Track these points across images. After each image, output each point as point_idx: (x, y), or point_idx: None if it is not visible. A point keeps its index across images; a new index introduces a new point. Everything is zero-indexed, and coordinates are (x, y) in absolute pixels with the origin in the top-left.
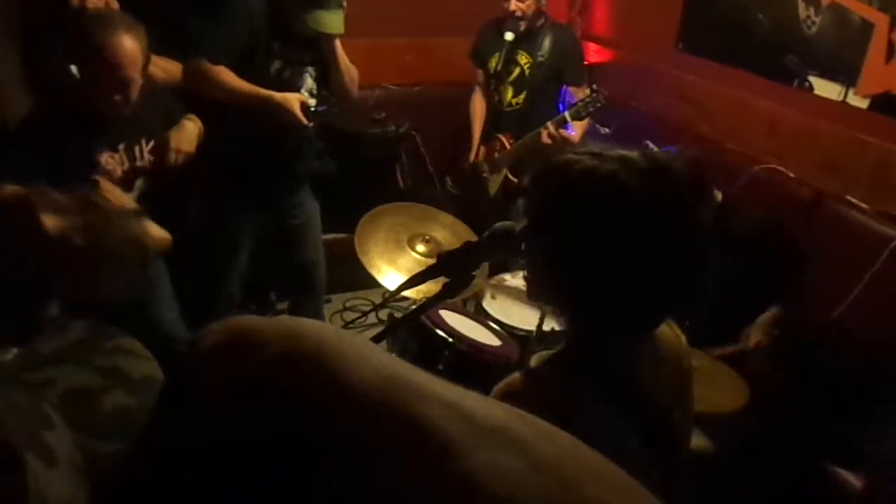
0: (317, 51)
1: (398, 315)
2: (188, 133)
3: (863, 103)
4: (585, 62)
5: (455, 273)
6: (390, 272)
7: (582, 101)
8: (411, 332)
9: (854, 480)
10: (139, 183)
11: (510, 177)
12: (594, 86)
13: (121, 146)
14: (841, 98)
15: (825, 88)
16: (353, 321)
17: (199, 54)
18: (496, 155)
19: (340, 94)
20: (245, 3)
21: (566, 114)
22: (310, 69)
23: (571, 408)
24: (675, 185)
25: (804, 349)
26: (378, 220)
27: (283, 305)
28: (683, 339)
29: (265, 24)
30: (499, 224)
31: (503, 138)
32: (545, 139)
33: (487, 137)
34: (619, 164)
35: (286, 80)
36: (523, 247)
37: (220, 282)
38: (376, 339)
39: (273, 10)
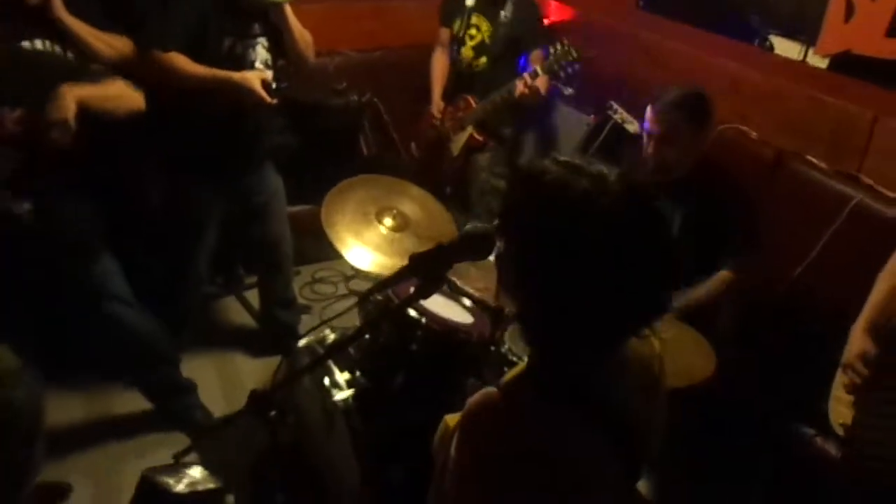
0: (266, 21)
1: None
2: (61, 102)
3: (822, 63)
4: (542, 25)
5: (426, 274)
6: (357, 247)
7: (553, 54)
8: (383, 312)
9: (823, 443)
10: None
11: (475, 135)
12: (563, 39)
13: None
14: (801, 57)
15: (786, 48)
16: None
17: (151, 44)
18: (460, 114)
19: (296, 61)
20: None
21: (538, 67)
22: (261, 40)
23: (544, 426)
24: (646, 210)
25: (766, 308)
26: (346, 194)
27: (252, 279)
28: (655, 343)
29: (210, 2)
30: (470, 226)
31: (469, 98)
32: (522, 89)
33: (451, 97)
34: (592, 184)
35: (238, 55)
36: (494, 251)
37: (188, 263)
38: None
39: None
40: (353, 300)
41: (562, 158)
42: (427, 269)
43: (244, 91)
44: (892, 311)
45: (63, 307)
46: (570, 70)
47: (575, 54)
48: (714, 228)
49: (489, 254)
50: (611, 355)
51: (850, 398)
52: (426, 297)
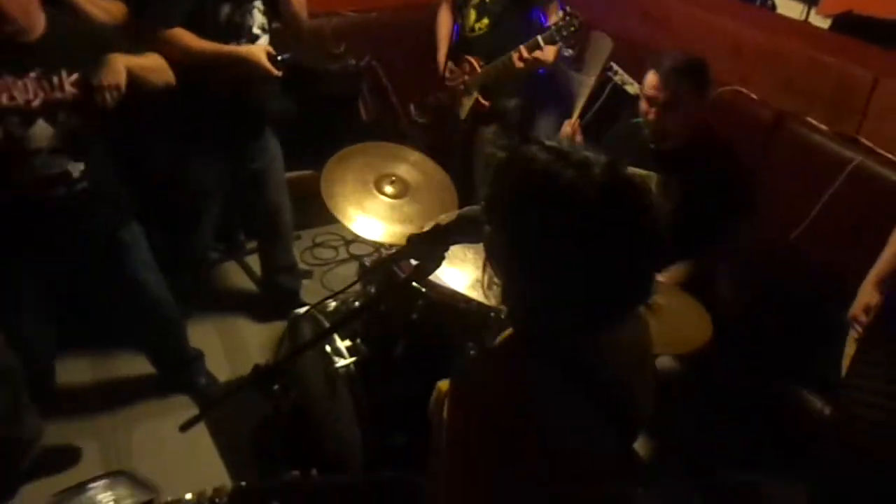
0: None
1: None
2: (111, 65)
3: (824, 23)
4: None
5: (424, 256)
6: (359, 216)
7: (556, 24)
8: (384, 288)
9: (821, 405)
10: (62, 117)
11: (481, 100)
12: (568, 8)
13: (32, 73)
14: (803, 17)
15: (788, 7)
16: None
17: (156, 23)
18: (466, 77)
19: (291, 22)
20: None
21: (539, 38)
22: (257, 4)
23: (534, 388)
24: (631, 200)
25: (765, 269)
26: (344, 162)
27: (253, 245)
28: (644, 318)
29: None
30: (466, 209)
31: (473, 61)
32: (517, 62)
33: (455, 59)
34: (578, 172)
35: (238, 23)
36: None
37: (196, 231)
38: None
39: None
40: (354, 264)
41: (549, 143)
42: (425, 251)
43: (251, 65)
44: None
45: (81, 271)
46: (570, 40)
47: (577, 23)
48: (712, 198)
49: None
50: (598, 336)
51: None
52: (424, 278)
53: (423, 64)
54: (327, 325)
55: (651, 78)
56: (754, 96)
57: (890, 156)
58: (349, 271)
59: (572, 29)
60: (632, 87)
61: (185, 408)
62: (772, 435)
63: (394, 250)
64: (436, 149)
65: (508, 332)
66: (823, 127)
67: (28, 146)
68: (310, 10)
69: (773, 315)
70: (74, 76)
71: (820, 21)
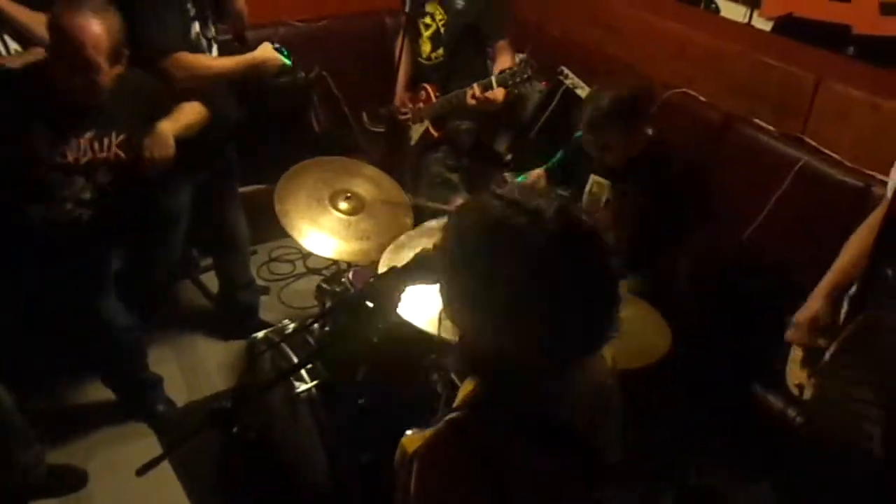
0: None
1: (324, 274)
2: (161, 137)
3: (767, 25)
4: (502, 10)
5: (382, 298)
6: (314, 233)
7: (510, 69)
8: (342, 306)
9: (782, 405)
10: (101, 175)
11: (431, 129)
12: (525, 55)
13: (88, 133)
14: (746, 20)
15: (731, 10)
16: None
17: (168, 51)
18: (420, 105)
19: (237, 23)
20: None
21: (493, 79)
22: (209, 14)
23: (501, 459)
24: (583, 242)
25: (717, 270)
26: (298, 179)
27: (207, 262)
28: (608, 357)
29: None
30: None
31: (429, 88)
32: (470, 100)
33: (411, 84)
34: (529, 220)
35: (205, 37)
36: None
37: (166, 253)
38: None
39: None
40: (311, 278)
41: (501, 192)
42: (382, 294)
43: (267, 65)
44: (856, 277)
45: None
46: (523, 87)
47: (530, 72)
48: (666, 206)
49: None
50: (559, 380)
51: (801, 356)
52: (383, 319)
53: (374, 72)
54: (286, 348)
55: (583, 123)
56: (702, 98)
57: (835, 155)
58: (307, 286)
59: (525, 76)
60: (582, 91)
61: (143, 436)
62: (738, 435)
63: (353, 292)
64: (390, 156)
65: (469, 389)
66: (770, 128)
67: (57, 195)
68: (256, 20)
69: (729, 315)
70: (122, 137)
71: (762, 23)
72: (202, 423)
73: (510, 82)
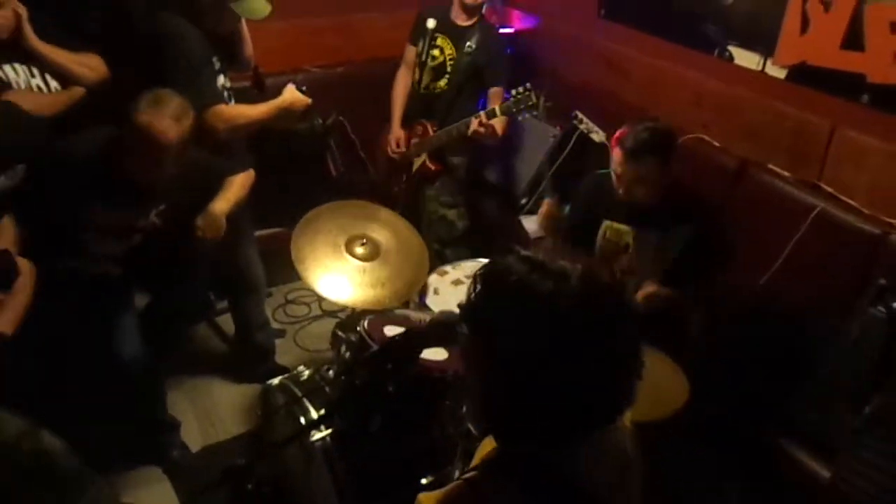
0: (226, 44)
1: (340, 317)
2: (214, 219)
3: (780, 73)
4: (506, 61)
5: (398, 359)
6: (330, 279)
7: (515, 97)
8: (358, 355)
9: (819, 468)
10: (135, 238)
11: (428, 163)
12: (528, 84)
13: (136, 209)
14: (760, 68)
15: (745, 58)
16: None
17: (206, 105)
18: (416, 140)
19: (245, 67)
20: (191, 42)
21: (497, 108)
22: (225, 65)
23: None
24: (608, 308)
25: (734, 317)
26: (313, 224)
27: (222, 305)
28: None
29: (210, 49)
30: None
31: (427, 124)
32: (475, 127)
33: (409, 120)
34: (555, 286)
35: (226, 88)
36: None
37: (193, 294)
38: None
39: (201, 28)
40: (327, 321)
41: (525, 254)
42: (399, 354)
43: (294, 108)
44: None
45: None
46: (526, 115)
47: (535, 100)
48: (688, 252)
49: (457, 341)
50: (580, 447)
51: None
52: (403, 378)
53: (389, 116)
54: (300, 394)
55: (617, 155)
56: (717, 144)
57: (851, 202)
58: (322, 328)
59: (530, 104)
60: (597, 136)
61: (157, 481)
62: (759, 487)
63: (372, 350)
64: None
65: (486, 451)
66: (786, 174)
67: (89, 250)
68: (275, 67)
69: (746, 362)
70: (163, 207)
71: (776, 71)
72: (217, 481)
73: (514, 110)
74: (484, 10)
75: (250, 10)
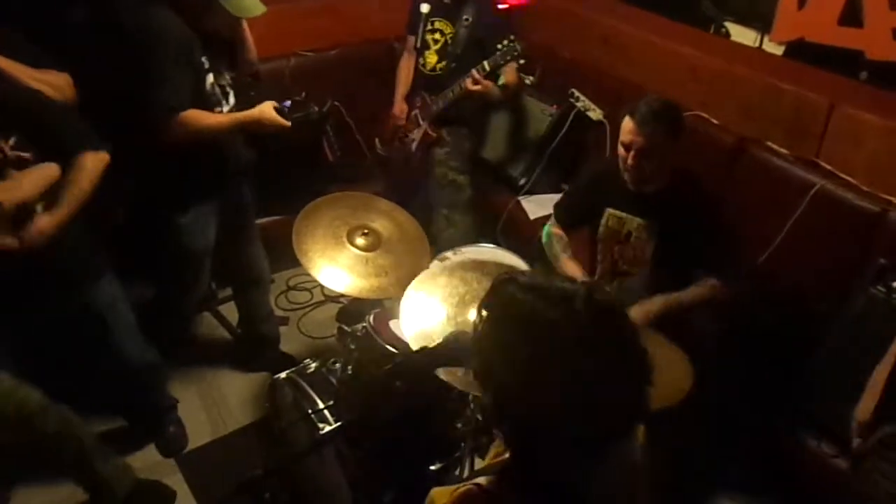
0: (223, 42)
1: (342, 302)
2: (35, 238)
3: (778, 49)
4: (505, 26)
5: (411, 378)
6: (332, 270)
7: (500, 49)
8: (362, 349)
9: (823, 451)
10: None
11: (429, 131)
12: (511, 36)
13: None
14: (757, 44)
15: (742, 34)
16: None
17: (172, 109)
18: (416, 111)
19: (247, 68)
20: (173, 39)
21: (485, 62)
22: (224, 65)
23: None
24: (614, 328)
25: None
26: (314, 216)
27: (225, 293)
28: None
29: (194, 45)
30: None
31: (425, 95)
32: (471, 86)
33: (412, 97)
34: (562, 313)
35: (220, 86)
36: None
37: (194, 289)
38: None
39: (191, 25)
40: (330, 306)
41: (525, 280)
42: (411, 374)
43: (264, 123)
44: None
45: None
46: (509, 58)
47: (519, 50)
48: (695, 241)
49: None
50: (592, 462)
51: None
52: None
53: (385, 97)
54: (308, 389)
55: (627, 124)
56: (715, 121)
57: (850, 179)
58: (325, 314)
59: (515, 53)
60: (594, 113)
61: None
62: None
63: (382, 374)
64: (398, 181)
65: (495, 456)
66: (784, 151)
67: None
68: (268, 52)
69: (745, 341)
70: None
71: (773, 48)
72: (234, 492)
73: (501, 62)
74: None
75: (242, 8)
